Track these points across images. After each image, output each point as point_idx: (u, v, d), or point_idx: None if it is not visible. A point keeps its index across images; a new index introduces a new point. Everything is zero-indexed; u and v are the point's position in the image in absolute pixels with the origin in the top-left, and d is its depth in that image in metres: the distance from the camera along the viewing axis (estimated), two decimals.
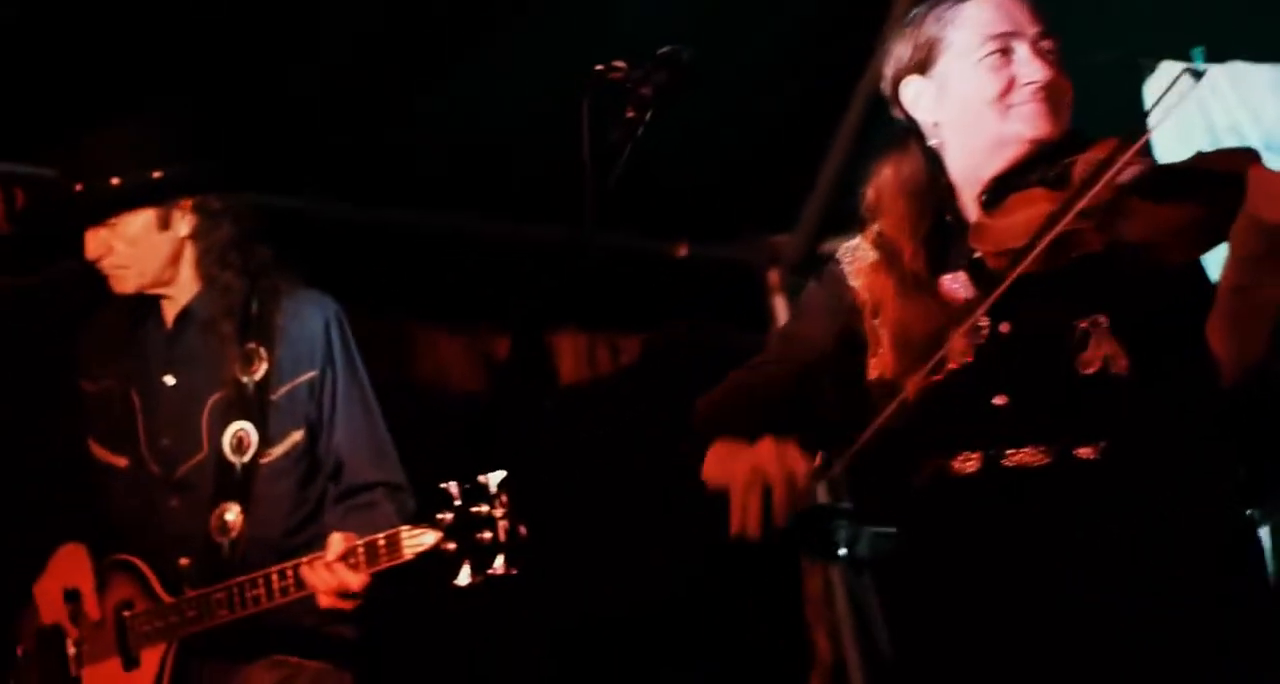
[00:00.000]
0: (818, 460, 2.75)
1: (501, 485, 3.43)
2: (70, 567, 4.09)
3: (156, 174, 3.92)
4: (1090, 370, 2.79)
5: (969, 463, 2.83)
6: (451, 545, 3.43)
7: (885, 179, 3.05)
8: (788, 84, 5.82)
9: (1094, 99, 5.31)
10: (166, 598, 3.88)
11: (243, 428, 3.94)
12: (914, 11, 3.02)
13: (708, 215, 6.02)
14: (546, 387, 5.52)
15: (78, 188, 3.92)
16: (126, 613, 3.95)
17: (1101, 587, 2.75)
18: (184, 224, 3.98)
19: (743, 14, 5.51)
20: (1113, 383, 2.78)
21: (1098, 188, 2.62)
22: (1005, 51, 2.91)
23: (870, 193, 3.06)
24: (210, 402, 3.99)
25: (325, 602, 3.68)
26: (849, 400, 2.91)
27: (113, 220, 3.93)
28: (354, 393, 4.03)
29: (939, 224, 2.99)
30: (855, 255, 3.07)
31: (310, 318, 4.03)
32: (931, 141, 3.00)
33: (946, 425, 2.85)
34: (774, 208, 6.24)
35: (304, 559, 3.69)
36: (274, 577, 3.71)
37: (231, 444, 3.95)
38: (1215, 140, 5.43)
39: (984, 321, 2.83)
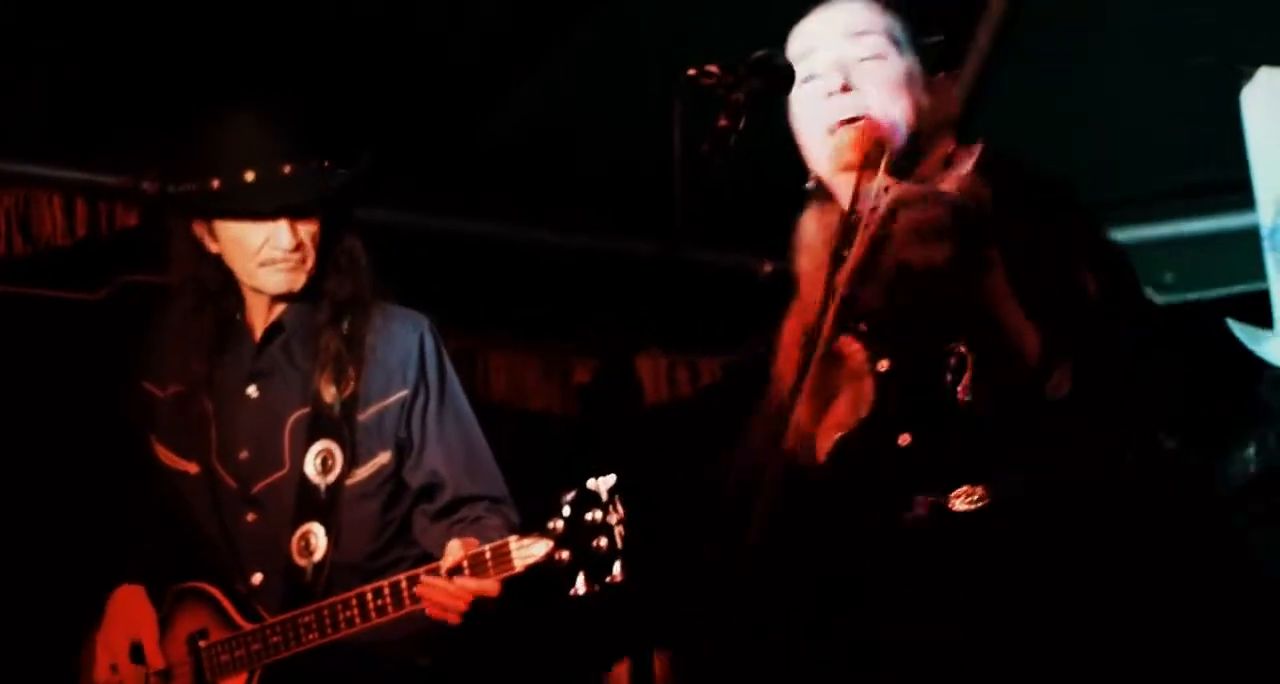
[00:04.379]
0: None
1: (614, 491, 3.29)
2: (130, 612, 3.98)
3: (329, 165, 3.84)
4: (968, 397, 2.71)
5: (918, 509, 2.73)
6: (565, 554, 3.30)
7: (805, 227, 3.03)
8: None
9: (1193, 105, 5.26)
10: (246, 624, 3.80)
11: (328, 447, 3.87)
12: None
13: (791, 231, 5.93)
14: (632, 409, 5.43)
15: (215, 184, 3.81)
16: (202, 643, 3.86)
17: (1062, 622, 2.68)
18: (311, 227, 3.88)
19: None
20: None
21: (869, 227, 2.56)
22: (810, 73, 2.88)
23: (794, 250, 3.04)
24: (293, 418, 3.91)
25: (435, 612, 3.57)
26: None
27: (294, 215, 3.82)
28: (449, 409, 3.95)
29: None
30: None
31: (402, 336, 3.95)
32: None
33: (872, 476, 2.78)
34: None
35: (404, 574, 3.61)
36: (369, 596, 3.63)
37: (315, 464, 3.86)
38: None
39: (867, 364, 2.76)
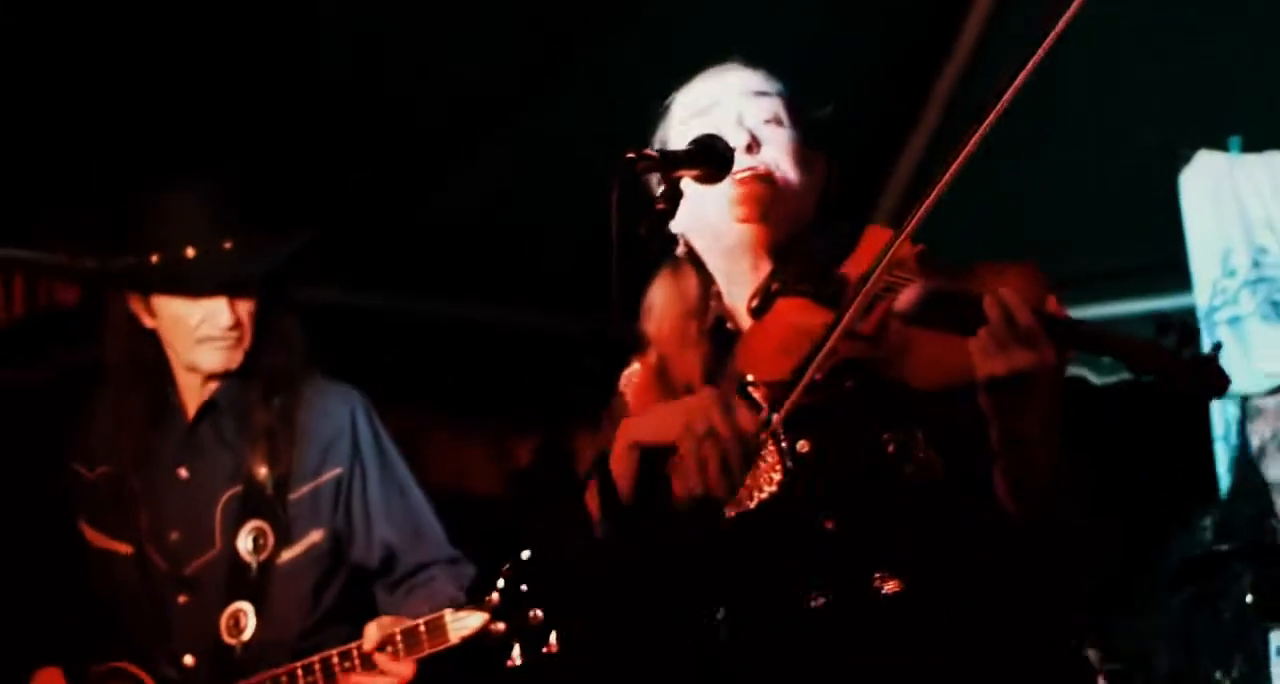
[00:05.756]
0: (764, 413, 2.55)
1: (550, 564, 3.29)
2: None
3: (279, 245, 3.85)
4: (908, 478, 2.64)
5: (821, 596, 2.67)
6: (501, 626, 3.29)
7: (656, 296, 2.90)
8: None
9: (1131, 186, 5.34)
10: None
11: (260, 526, 3.84)
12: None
13: None
14: (570, 487, 5.41)
15: (154, 259, 3.79)
16: None
17: None
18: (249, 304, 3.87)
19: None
20: (934, 489, 2.64)
21: (867, 313, 2.51)
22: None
23: (644, 314, 2.90)
24: (225, 497, 3.88)
25: None
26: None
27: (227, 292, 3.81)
28: (390, 482, 3.95)
29: (716, 334, 2.84)
30: (630, 381, 2.92)
31: (334, 412, 3.94)
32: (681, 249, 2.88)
33: (786, 556, 2.71)
34: None
35: (335, 650, 3.61)
36: (299, 672, 3.63)
37: (247, 542, 3.83)
38: (1248, 233, 5.44)
39: (772, 443, 2.69)
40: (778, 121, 2.83)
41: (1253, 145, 5.49)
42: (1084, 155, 5.59)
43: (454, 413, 5.61)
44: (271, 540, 3.84)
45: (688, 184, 2.67)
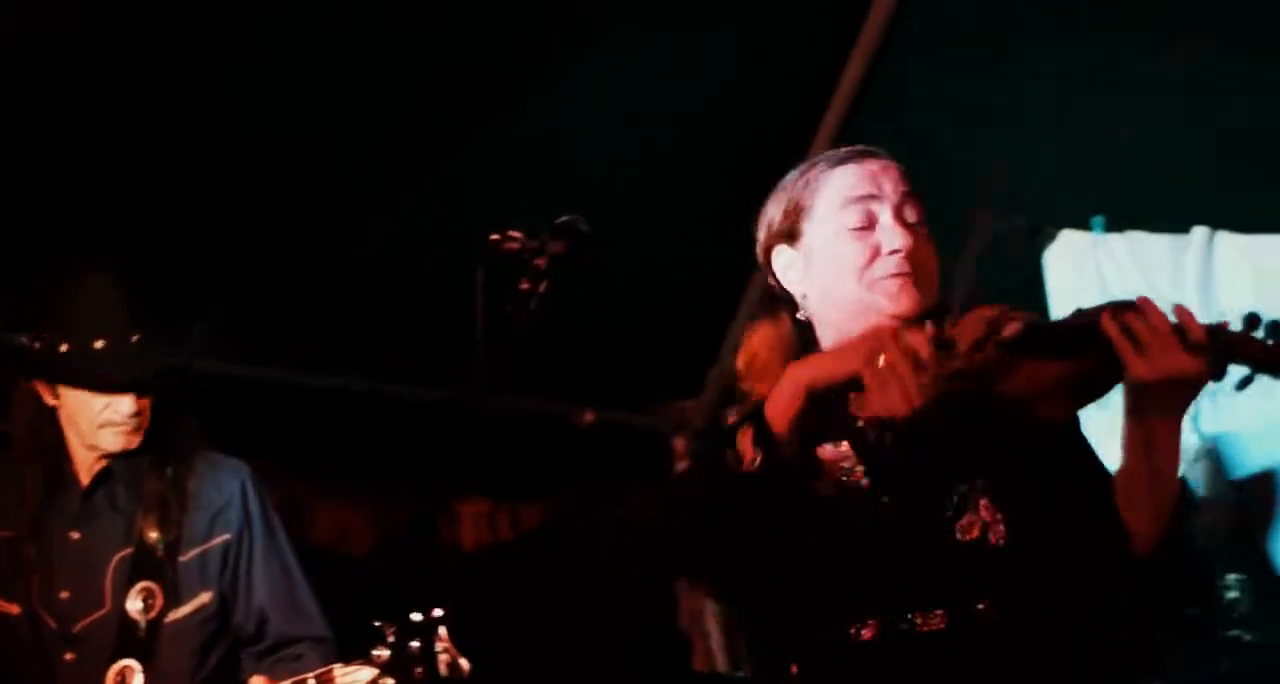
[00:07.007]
0: (929, 331, 2.62)
1: (438, 622, 3.41)
2: None
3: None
4: (969, 537, 2.74)
5: (866, 630, 2.76)
6: (390, 682, 3.40)
7: (759, 343, 2.96)
8: (693, 252, 5.88)
9: (996, 266, 5.42)
10: None
11: (149, 586, 3.91)
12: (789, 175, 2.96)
13: (614, 381, 6.04)
14: (445, 553, 5.49)
15: (63, 347, 3.85)
16: None
17: None
18: None
19: (651, 177, 5.58)
20: (990, 551, 2.74)
21: (981, 352, 2.60)
22: (868, 220, 2.84)
23: (741, 359, 2.97)
24: (116, 558, 3.94)
25: None
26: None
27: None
28: (272, 553, 4.03)
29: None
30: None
31: (225, 483, 4.03)
32: (800, 314, 2.93)
33: (842, 593, 2.79)
34: (680, 374, 6.27)
35: None
36: None
37: (137, 602, 3.90)
38: None
39: (866, 489, 2.78)
40: (923, 223, 2.88)
41: (1115, 225, 5.56)
42: (951, 232, 5.69)
43: (334, 480, 5.65)
44: (160, 601, 3.90)
45: (825, 256, 2.80)
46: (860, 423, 2.78)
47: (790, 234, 2.90)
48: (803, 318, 2.92)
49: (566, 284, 2.99)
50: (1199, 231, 5.54)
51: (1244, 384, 2.52)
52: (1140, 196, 5.52)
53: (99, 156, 4.65)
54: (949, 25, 5.52)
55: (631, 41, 5.13)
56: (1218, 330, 2.53)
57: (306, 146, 4.88)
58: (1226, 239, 5.53)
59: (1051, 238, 5.63)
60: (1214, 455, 5.32)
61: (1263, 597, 5.02)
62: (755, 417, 2.69)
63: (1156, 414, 2.60)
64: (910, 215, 2.85)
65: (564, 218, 2.81)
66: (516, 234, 2.75)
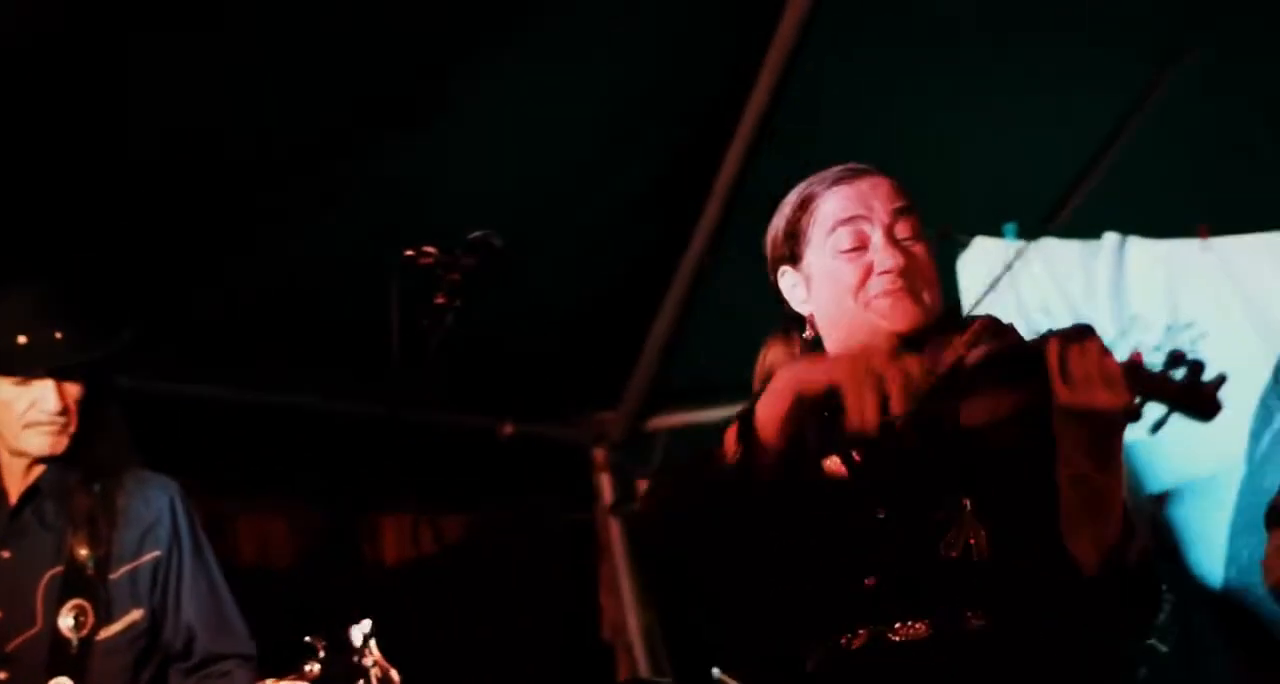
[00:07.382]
0: (925, 359, 2.66)
1: (368, 636, 3.42)
2: None
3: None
4: (954, 554, 2.79)
5: (856, 640, 2.81)
6: None
7: (771, 360, 3.03)
8: (610, 262, 5.90)
9: None
10: None
11: (81, 604, 3.89)
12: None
13: (533, 394, 6.05)
14: (365, 565, 5.49)
15: (21, 340, 3.87)
16: None
17: None
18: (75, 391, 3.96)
19: (563, 192, 5.59)
20: (974, 565, 2.78)
21: (945, 367, 2.64)
22: (860, 241, 2.87)
23: (757, 376, 3.02)
24: (46, 577, 3.93)
25: None
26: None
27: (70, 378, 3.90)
28: (200, 570, 4.04)
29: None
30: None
31: (154, 500, 4.03)
32: (808, 332, 2.98)
33: (833, 603, 2.85)
34: (599, 385, 6.29)
35: None
36: None
37: (68, 620, 3.88)
38: (1025, 317, 5.53)
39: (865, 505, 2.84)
40: (917, 237, 2.89)
41: (1027, 232, 5.58)
42: None
43: (254, 495, 5.65)
44: (92, 618, 3.89)
45: (823, 278, 2.85)
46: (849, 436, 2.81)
47: (792, 256, 2.96)
48: (809, 336, 2.97)
49: (483, 297, 3.01)
50: (1110, 237, 5.59)
51: (1158, 427, 2.55)
52: (1052, 202, 5.55)
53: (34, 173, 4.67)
54: (867, 26, 5.54)
55: (543, 46, 5.14)
56: (1136, 369, 2.56)
57: (234, 154, 4.89)
58: (1138, 245, 5.58)
59: (965, 244, 5.65)
60: (1130, 467, 5.37)
61: (1176, 608, 5.08)
62: (744, 414, 2.74)
63: (1081, 447, 2.63)
64: (902, 232, 2.87)
65: (477, 233, 2.82)
66: (430, 249, 2.77)
